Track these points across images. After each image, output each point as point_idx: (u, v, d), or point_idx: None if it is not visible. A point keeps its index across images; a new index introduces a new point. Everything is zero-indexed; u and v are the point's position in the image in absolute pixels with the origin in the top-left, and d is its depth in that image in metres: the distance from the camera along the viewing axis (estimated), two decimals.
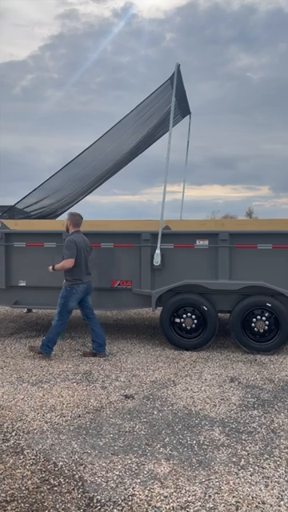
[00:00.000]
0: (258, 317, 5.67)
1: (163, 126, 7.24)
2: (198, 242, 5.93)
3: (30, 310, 8.38)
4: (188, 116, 8.11)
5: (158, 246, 5.87)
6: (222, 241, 5.79)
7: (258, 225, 6.07)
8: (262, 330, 5.66)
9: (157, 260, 5.86)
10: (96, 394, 4.31)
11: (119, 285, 6.13)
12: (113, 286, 6.14)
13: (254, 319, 5.68)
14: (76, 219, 5.60)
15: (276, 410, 3.94)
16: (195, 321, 5.81)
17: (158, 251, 5.88)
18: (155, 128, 7.07)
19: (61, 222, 6.63)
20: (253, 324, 5.68)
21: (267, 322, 5.65)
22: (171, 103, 5.99)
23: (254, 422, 3.68)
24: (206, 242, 5.90)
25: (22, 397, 4.24)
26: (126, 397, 4.24)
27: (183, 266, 5.92)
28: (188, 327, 5.83)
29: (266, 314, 5.66)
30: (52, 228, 6.40)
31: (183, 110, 7.59)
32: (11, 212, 7.19)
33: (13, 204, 7.07)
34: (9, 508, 2.56)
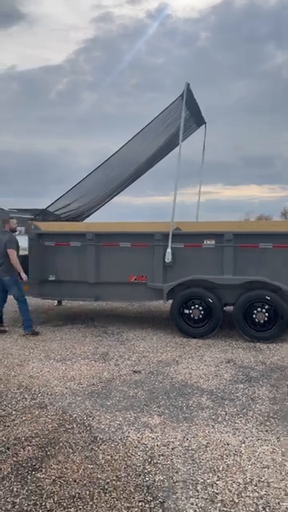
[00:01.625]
0: (259, 309, 6.30)
1: (178, 138, 7.95)
2: (205, 242, 6.62)
3: (60, 303, 9.30)
4: (204, 126, 8.79)
5: (169, 245, 6.60)
6: (227, 241, 6.46)
7: (260, 226, 6.69)
8: (262, 321, 6.29)
9: (168, 257, 6.59)
10: (109, 369, 5.11)
11: (136, 279, 6.91)
12: (130, 281, 6.92)
13: (255, 311, 6.31)
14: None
15: (260, 384, 4.59)
16: (202, 312, 6.51)
17: (169, 250, 6.62)
18: (170, 139, 7.77)
19: (85, 224, 7.48)
20: (254, 315, 6.31)
21: (267, 314, 6.27)
22: (181, 119, 6.71)
23: (237, 393, 4.36)
24: (213, 242, 6.58)
25: (48, 370, 5.09)
26: (134, 372, 5.01)
27: (192, 262, 6.62)
28: (195, 317, 6.54)
29: (266, 306, 6.28)
30: (77, 229, 7.27)
31: (198, 120, 8.29)
32: (44, 215, 8.11)
33: (44, 207, 8.00)
34: (33, 441, 3.39)
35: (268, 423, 3.66)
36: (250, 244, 6.43)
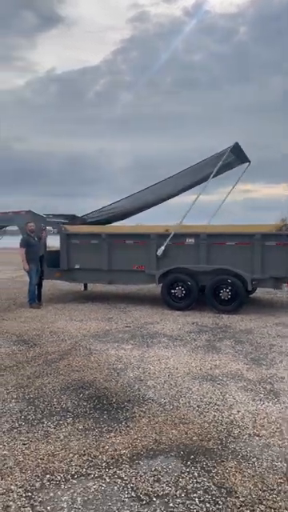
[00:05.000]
0: (224, 289, 8.58)
1: (218, 173, 9.55)
2: (187, 240, 8.96)
3: (85, 288, 11.88)
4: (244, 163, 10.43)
5: (165, 243, 8.94)
6: (202, 239, 8.78)
7: (227, 228, 8.95)
8: (226, 298, 8.57)
9: (159, 252, 8.99)
10: (110, 325, 7.59)
11: (137, 268, 9.34)
12: (133, 269, 9.36)
13: (221, 290, 8.60)
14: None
15: (205, 334, 6.93)
16: (183, 291, 8.87)
17: (162, 247, 8.99)
18: (209, 175, 9.31)
19: (101, 227, 10.01)
20: (220, 294, 8.60)
21: (230, 293, 8.55)
22: (217, 166, 8.92)
23: (188, 337, 6.72)
24: (193, 240, 8.91)
25: (70, 325, 7.64)
26: (126, 326, 7.47)
27: (177, 255, 8.97)
28: (178, 295, 8.91)
29: (229, 287, 8.55)
30: (96, 231, 9.81)
31: (242, 160, 10.16)
32: (73, 220, 10.73)
33: (73, 215, 10.62)
34: (56, 353, 5.91)
35: (196, 349, 6.02)
36: (219, 242, 8.72)
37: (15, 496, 2.73)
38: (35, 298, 9.48)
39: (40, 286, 9.92)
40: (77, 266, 9.87)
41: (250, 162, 10.36)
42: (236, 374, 5.02)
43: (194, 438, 3.46)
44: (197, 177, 9.75)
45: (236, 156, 9.67)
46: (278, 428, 3.63)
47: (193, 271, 8.83)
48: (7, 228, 11.70)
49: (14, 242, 11.02)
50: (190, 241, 8.94)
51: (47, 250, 10.14)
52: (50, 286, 12.03)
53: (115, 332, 7.10)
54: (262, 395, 4.35)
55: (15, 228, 10.41)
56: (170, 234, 9.01)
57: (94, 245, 9.65)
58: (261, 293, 11.27)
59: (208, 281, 8.74)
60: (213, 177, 9.16)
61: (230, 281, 8.53)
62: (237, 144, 9.05)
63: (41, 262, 9.73)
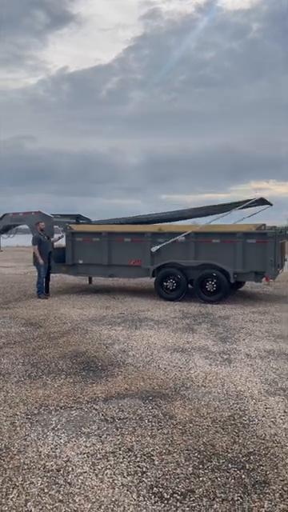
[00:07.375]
0: (210, 282, 9.62)
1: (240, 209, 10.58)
2: (178, 238, 10.02)
3: (90, 282, 13.02)
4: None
5: (163, 242, 10.00)
6: (191, 237, 9.82)
7: (212, 228, 9.98)
8: (211, 290, 9.62)
9: (153, 248, 10.06)
10: (107, 312, 8.71)
11: (134, 263, 10.44)
12: (130, 264, 10.46)
13: (207, 283, 9.64)
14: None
15: (187, 319, 7.99)
16: (174, 284, 9.94)
17: (158, 246, 10.06)
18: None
19: (101, 226, 11.12)
20: (206, 286, 9.65)
21: (214, 285, 9.59)
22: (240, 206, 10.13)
23: (172, 321, 7.80)
24: (183, 238, 9.96)
25: (72, 312, 8.77)
26: (120, 313, 8.58)
27: (169, 251, 10.04)
28: (170, 288, 9.98)
29: (214, 280, 9.59)
30: (98, 230, 10.92)
31: (265, 203, 10.82)
32: (78, 219, 11.88)
33: (78, 215, 11.75)
34: (58, 333, 7.04)
35: (175, 330, 7.10)
36: (206, 239, 9.76)
37: (19, 417, 3.86)
38: (43, 289, 10.65)
39: (48, 279, 11.07)
40: (80, 261, 11.00)
41: (271, 204, 10.83)
42: (203, 347, 6.09)
43: (156, 388, 4.55)
44: (222, 210, 10.75)
45: (261, 202, 10.59)
46: (221, 383, 4.69)
47: (183, 266, 9.89)
48: (19, 226, 12.88)
49: (24, 240, 12.19)
50: (181, 238, 9.99)
51: (54, 246, 11.30)
52: (59, 280, 13.22)
53: (110, 317, 8.21)
54: (218, 362, 5.42)
55: (26, 227, 11.60)
56: (162, 232, 10.08)
57: (96, 242, 10.76)
58: (251, 287, 12.26)
59: (196, 274, 9.79)
60: (235, 210, 10.38)
61: (214, 274, 9.57)
62: (262, 198, 10.25)
63: (49, 258, 10.87)
